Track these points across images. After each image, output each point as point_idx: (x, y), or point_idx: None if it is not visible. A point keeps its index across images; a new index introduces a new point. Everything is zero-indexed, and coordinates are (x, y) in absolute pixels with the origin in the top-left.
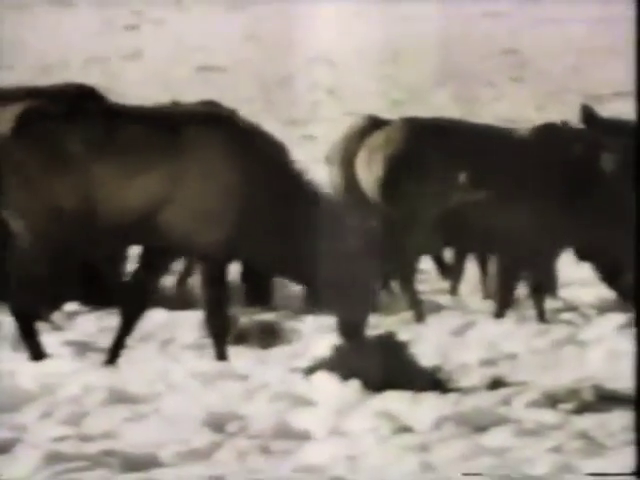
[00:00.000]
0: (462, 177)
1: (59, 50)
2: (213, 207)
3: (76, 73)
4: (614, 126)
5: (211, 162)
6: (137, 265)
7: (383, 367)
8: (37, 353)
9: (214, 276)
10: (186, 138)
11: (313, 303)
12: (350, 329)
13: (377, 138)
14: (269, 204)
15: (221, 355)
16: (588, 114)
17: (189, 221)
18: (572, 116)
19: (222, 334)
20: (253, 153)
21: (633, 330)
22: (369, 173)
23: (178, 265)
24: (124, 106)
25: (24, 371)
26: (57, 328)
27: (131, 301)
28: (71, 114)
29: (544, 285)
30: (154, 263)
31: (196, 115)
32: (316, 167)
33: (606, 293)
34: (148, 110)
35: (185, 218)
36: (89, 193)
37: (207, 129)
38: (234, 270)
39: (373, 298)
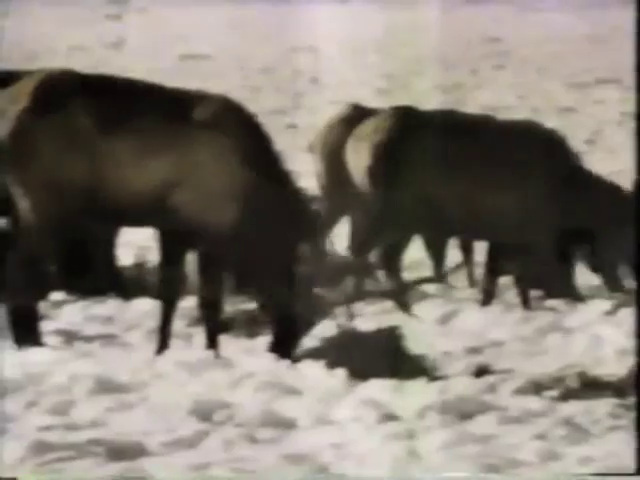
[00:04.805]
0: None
1: (43, 38)
2: (222, 190)
3: (60, 61)
4: None
5: (220, 146)
6: (160, 257)
7: (373, 357)
8: (37, 339)
9: (214, 272)
10: (196, 121)
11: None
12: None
13: (366, 127)
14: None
15: (212, 344)
16: None
17: (199, 204)
18: (553, 103)
19: (218, 327)
20: (259, 142)
21: (616, 317)
22: (358, 161)
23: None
24: (138, 83)
25: (9, 360)
26: (43, 317)
27: (166, 291)
28: (87, 89)
29: (528, 273)
30: (173, 252)
31: (206, 99)
32: (300, 156)
33: (589, 279)
34: (161, 90)
35: (195, 201)
36: (97, 171)
37: (217, 113)
38: None
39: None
